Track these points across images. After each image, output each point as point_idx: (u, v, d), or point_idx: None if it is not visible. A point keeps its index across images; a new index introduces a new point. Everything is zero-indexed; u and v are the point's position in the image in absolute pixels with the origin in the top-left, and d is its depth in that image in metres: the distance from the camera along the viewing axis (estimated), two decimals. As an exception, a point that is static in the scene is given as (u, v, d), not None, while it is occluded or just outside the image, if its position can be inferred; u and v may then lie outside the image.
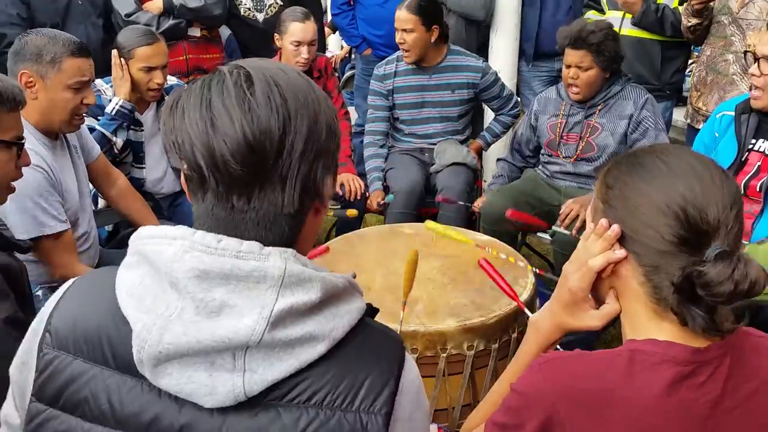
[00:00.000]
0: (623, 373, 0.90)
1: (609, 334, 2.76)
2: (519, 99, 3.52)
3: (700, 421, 0.89)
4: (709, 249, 0.87)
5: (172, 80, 2.69)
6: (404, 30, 3.00)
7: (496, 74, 3.19)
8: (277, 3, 3.59)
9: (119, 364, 0.78)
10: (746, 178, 2.16)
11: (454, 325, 1.66)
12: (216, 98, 0.76)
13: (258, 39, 3.56)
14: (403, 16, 3.00)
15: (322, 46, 3.82)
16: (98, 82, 2.51)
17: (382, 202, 2.98)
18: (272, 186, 0.76)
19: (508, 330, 1.74)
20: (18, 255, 1.83)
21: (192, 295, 0.73)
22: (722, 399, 0.90)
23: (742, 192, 2.18)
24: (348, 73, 5.16)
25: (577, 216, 2.52)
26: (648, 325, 0.94)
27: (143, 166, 2.63)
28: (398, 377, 0.78)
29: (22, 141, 1.48)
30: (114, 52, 2.49)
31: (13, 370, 0.86)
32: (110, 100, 2.47)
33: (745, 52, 2.28)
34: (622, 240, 0.95)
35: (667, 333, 0.93)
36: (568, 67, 2.65)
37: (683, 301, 0.88)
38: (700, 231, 0.88)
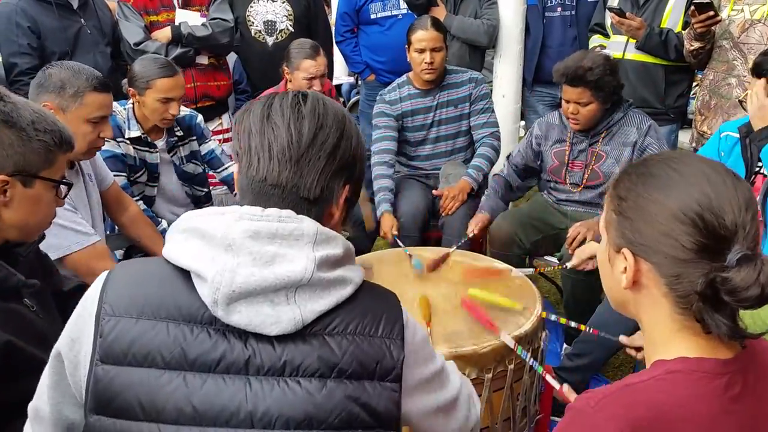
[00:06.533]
0: (671, 396, 0.88)
1: (617, 359, 2.73)
2: (524, 123, 3.53)
3: (747, 430, 0.89)
4: (730, 254, 0.85)
5: (185, 110, 2.73)
6: (434, 50, 2.96)
7: (489, 92, 3.18)
8: (288, 29, 3.63)
9: (184, 315, 0.94)
10: (758, 200, 2.15)
11: (446, 351, 1.63)
12: (276, 103, 1.00)
13: (265, 62, 3.61)
14: (433, 35, 2.95)
15: (330, 73, 3.86)
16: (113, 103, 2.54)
17: (395, 233, 2.78)
18: (299, 171, 0.96)
19: (503, 361, 1.69)
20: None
21: (248, 250, 0.91)
22: (760, 407, 0.90)
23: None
24: (353, 99, 5.21)
25: (585, 239, 2.49)
26: (673, 338, 0.93)
27: (156, 184, 2.69)
28: (402, 315, 1.02)
29: (69, 182, 1.47)
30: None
31: (63, 349, 0.97)
32: (125, 121, 2.52)
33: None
34: (641, 252, 0.93)
35: (693, 346, 0.92)
36: (567, 102, 2.62)
37: (707, 308, 0.87)
38: (718, 236, 0.86)
